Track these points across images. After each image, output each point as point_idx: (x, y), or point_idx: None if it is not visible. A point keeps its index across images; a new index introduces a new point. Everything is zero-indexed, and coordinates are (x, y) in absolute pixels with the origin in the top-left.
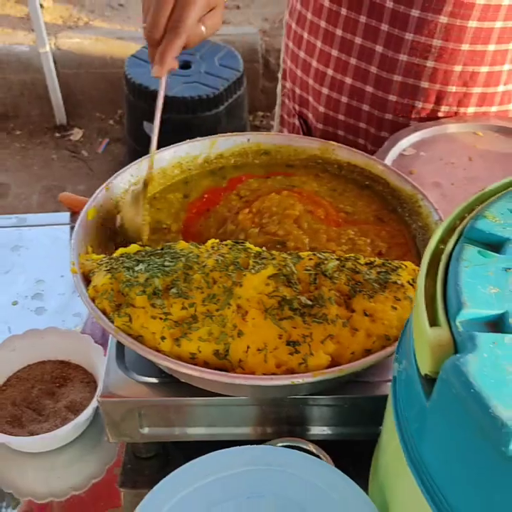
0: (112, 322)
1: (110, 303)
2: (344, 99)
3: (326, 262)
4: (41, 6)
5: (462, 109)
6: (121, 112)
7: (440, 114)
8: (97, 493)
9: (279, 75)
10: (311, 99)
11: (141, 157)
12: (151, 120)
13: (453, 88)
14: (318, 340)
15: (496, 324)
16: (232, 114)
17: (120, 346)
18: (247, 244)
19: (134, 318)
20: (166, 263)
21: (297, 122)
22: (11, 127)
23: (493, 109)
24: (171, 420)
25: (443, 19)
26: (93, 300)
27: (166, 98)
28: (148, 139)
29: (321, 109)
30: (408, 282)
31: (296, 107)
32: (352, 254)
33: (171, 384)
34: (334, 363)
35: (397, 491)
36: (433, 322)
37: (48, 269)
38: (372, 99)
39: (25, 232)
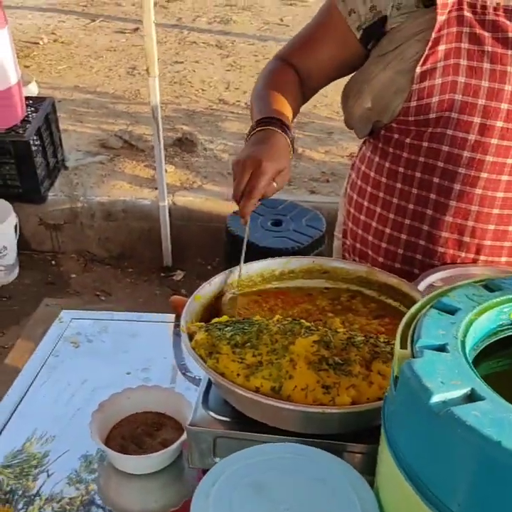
0: (205, 362)
1: (205, 351)
2: (400, 251)
3: (355, 337)
4: (166, 170)
5: (496, 259)
6: (219, 259)
7: (480, 263)
8: None
9: (338, 235)
10: (370, 252)
11: None
12: None
13: (488, 242)
14: (344, 386)
15: (439, 349)
16: None
17: (206, 395)
18: (302, 321)
19: (220, 361)
20: (245, 327)
21: None
22: (124, 265)
23: None
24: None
25: (478, 191)
26: (194, 349)
27: (260, 248)
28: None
29: (380, 259)
30: None
31: (356, 259)
32: (374, 335)
33: (239, 422)
34: (354, 404)
35: (380, 467)
36: (404, 347)
37: (155, 351)
38: (424, 251)
39: (141, 325)
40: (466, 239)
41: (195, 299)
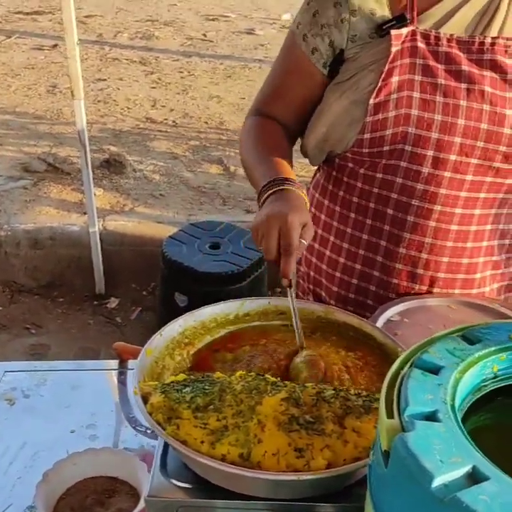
0: (164, 430)
1: (163, 416)
2: (354, 281)
3: (325, 391)
4: (94, 194)
5: (450, 291)
6: (154, 284)
7: (434, 295)
8: None
9: None
10: (324, 280)
11: None
12: (181, 291)
13: (442, 274)
14: (318, 448)
15: (430, 417)
16: (253, 289)
17: (164, 458)
18: (267, 376)
19: (181, 427)
20: (206, 387)
21: (311, 299)
22: (54, 295)
23: (474, 291)
24: None
25: (431, 223)
26: (150, 414)
27: (199, 273)
28: (179, 308)
29: (334, 288)
30: None
31: (311, 287)
32: (344, 387)
33: (203, 489)
34: (330, 467)
35: None
36: (390, 417)
37: (100, 404)
38: (378, 282)
39: (82, 374)
40: (420, 271)
41: (147, 354)
